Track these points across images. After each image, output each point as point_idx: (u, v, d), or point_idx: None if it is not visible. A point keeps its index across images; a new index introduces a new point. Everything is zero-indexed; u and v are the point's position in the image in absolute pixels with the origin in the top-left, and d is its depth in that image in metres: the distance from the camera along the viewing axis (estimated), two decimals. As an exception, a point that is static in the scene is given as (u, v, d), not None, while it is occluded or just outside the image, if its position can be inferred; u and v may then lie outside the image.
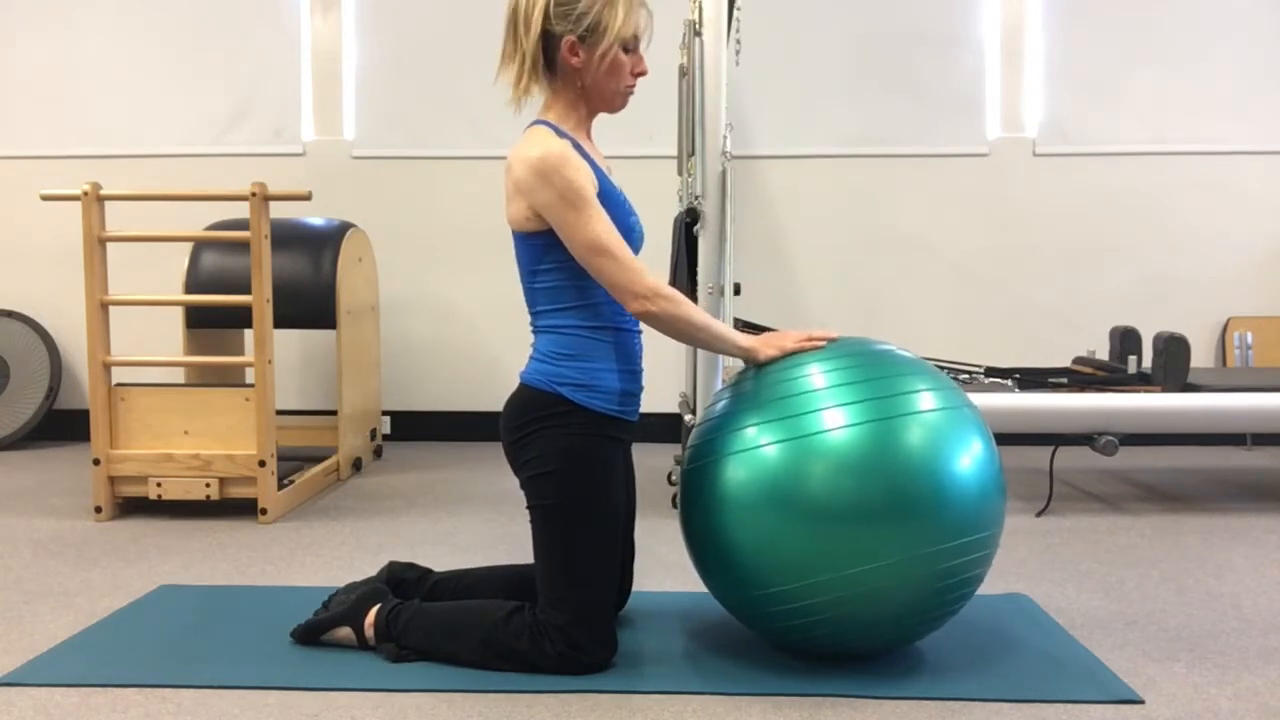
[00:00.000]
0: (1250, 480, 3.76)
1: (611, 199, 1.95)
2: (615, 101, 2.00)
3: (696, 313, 1.92)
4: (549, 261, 1.95)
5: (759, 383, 1.93)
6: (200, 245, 3.82)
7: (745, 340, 1.98)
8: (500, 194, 4.79)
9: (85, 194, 3.10)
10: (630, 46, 1.96)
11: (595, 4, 1.91)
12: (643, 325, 2.05)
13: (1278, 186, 4.46)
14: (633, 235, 1.99)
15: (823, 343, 1.94)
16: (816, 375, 1.86)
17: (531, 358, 1.99)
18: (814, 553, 1.77)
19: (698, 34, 3.07)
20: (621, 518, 1.99)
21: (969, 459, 1.81)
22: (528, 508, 1.96)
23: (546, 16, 1.91)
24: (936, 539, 1.77)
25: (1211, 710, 1.77)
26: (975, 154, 4.47)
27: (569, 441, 1.92)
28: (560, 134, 1.95)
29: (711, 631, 2.14)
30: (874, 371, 1.86)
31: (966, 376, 3.37)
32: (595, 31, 1.92)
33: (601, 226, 1.87)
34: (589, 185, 1.88)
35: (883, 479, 1.76)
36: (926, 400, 1.83)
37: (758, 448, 1.83)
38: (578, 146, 1.95)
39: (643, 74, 2.00)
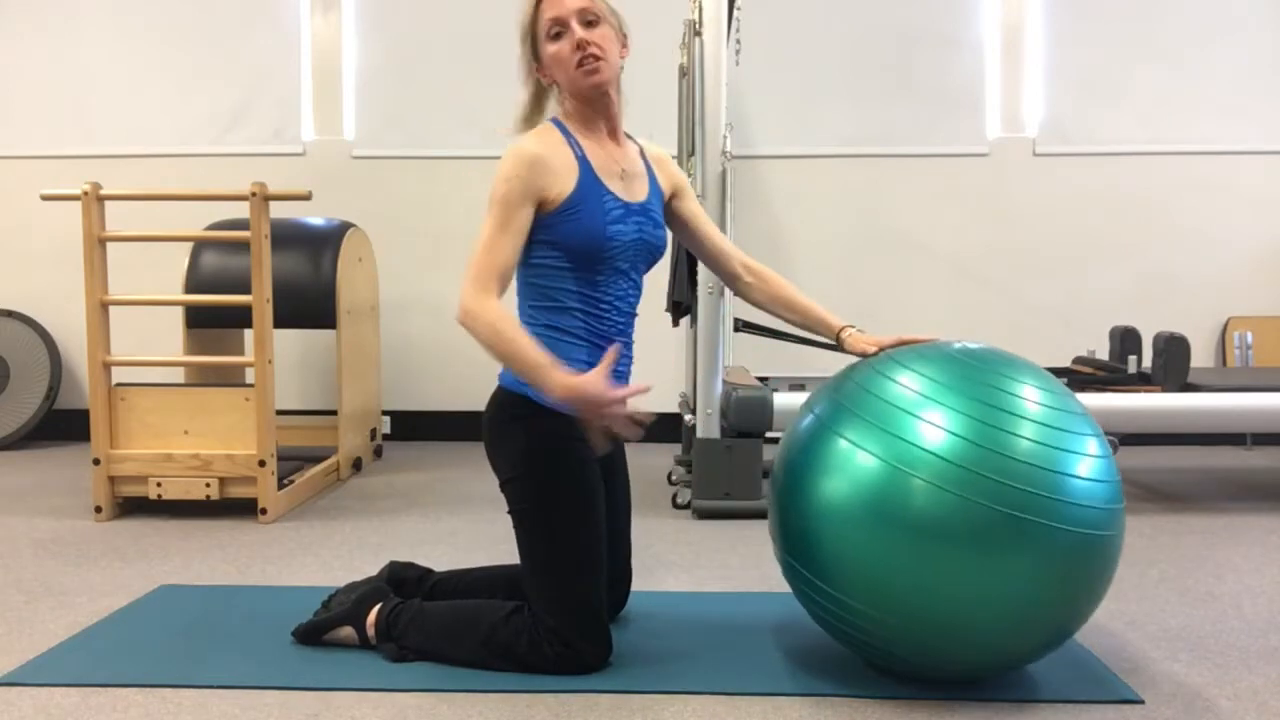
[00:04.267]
0: (1250, 480, 3.76)
1: (588, 203, 1.91)
2: (578, 86, 1.95)
3: (499, 338, 1.80)
4: (522, 256, 1.96)
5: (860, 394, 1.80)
6: (200, 245, 3.82)
7: (555, 379, 1.77)
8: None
9: (85, 194, 3.10)
10: (555, 32, 1.92)
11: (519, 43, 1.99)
12: (633, 337, 2.05)
13: (1278, 186, 4.46)
14: (608, 243, 1.93)
15: (638, 425, 1.77)
16: (912, 384, 1.75)
17: None
18: (917, 577, 1.66)
19: (698, 34, 3.07)
20: (601, 516, 1.94)
21: (1086, 465, 1.69)
22: (508, 513, 1.96)
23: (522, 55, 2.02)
24: (1055, 563, 1.65)
25: (1211, 710, 1.77)
26: (975, 154, 4.47)
27: (534, 444, 1.92)
28: (562, 130, 1.97)
29: (711, 631, 2.13)
30: (980, 377, 1.73)
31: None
32: (525, 46, 1.98)
33: (489, 233, 1.88)
34: (519, 193, 1.87)
35: (993, 498, 1.63)
36: (1033, 408, 1.70)
37: (862, 481, 1.70)
38: (575, 143, 1.95)
39: (581, 45, 1.90)
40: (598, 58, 1.91)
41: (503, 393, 1.96)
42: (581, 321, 1.96)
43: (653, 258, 2.06)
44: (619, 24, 1.98)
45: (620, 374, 2.02)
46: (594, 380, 1.75)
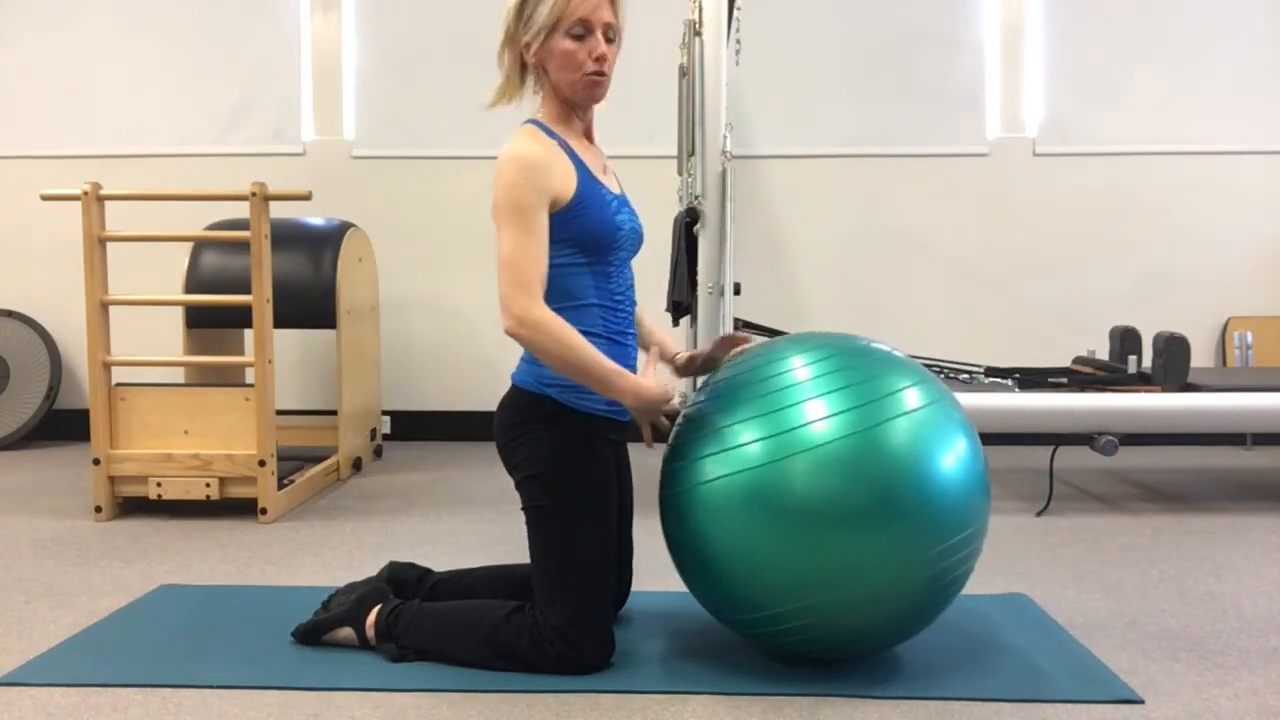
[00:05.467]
0: (1250, 480, 3.76)
1: (593, 198, 1.94)
2: (578, 91, 1.95)
3: (568, 347, 1.83)
4: None
5: (737, 391, 1.88)
6: (200, 245, 3.82)
7: (625, 385, 1.86)
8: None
9: (85, 194, 3.10)
10: (577, 32, 1.92)
11: (533, 2, 1.94)
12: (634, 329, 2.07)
13: (1278, 186, 4.46)
14: (618, 234, 1.98)
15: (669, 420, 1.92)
16: (800, 369, 1.83)
17: (522, 358, 2.00)
18: (803, 568, 1.74)
19: (698, 34, 3.07)
20: (614, 518, 1.98)
21: (953, 456, 1.78)
22: (522, 509, 1.96)
23: (511, 28, 1.98)
24: (926, 540, 1.74)
25: (1211, 710, 1.77)
26: (975, 154, 4.47)
27: (558, 443, 1.92)
28: (549, 133, 1.96)
29: (712, 631, 2.13)
30: (858, 374, 1.81)
31: (966, 376, 3.37)
32: (535, 29, 1.94)
33: (515, 240, 1.84)
34: (532, 195, 1.85)
35: (868, 482, 1.72)
36: (910, 397, 1.80)
37: (740, 471, 1.78)
38: (565, 145, 1.96)
39: (601, 57, 1.92)
40: (605, 74, 1.96)
41: (521, 393, 1.97)
42: (600, 318, 1.97)
43: (641, 246, 2.11)
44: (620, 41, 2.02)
45: (626, 365, 2.03)
46: (655, 385, 1.88)
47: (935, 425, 1.79)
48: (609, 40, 1.95)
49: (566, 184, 1.91)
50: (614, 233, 1.97)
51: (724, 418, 1.84)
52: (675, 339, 2.26)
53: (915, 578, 1.76)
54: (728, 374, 1.94)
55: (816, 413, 1.76)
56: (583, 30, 1.92)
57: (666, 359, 2.17)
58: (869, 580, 1.74)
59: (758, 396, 1.82)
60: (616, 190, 2.07)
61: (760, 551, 1.76)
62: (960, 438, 1.82)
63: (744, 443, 1.79)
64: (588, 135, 2.07)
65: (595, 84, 1.95)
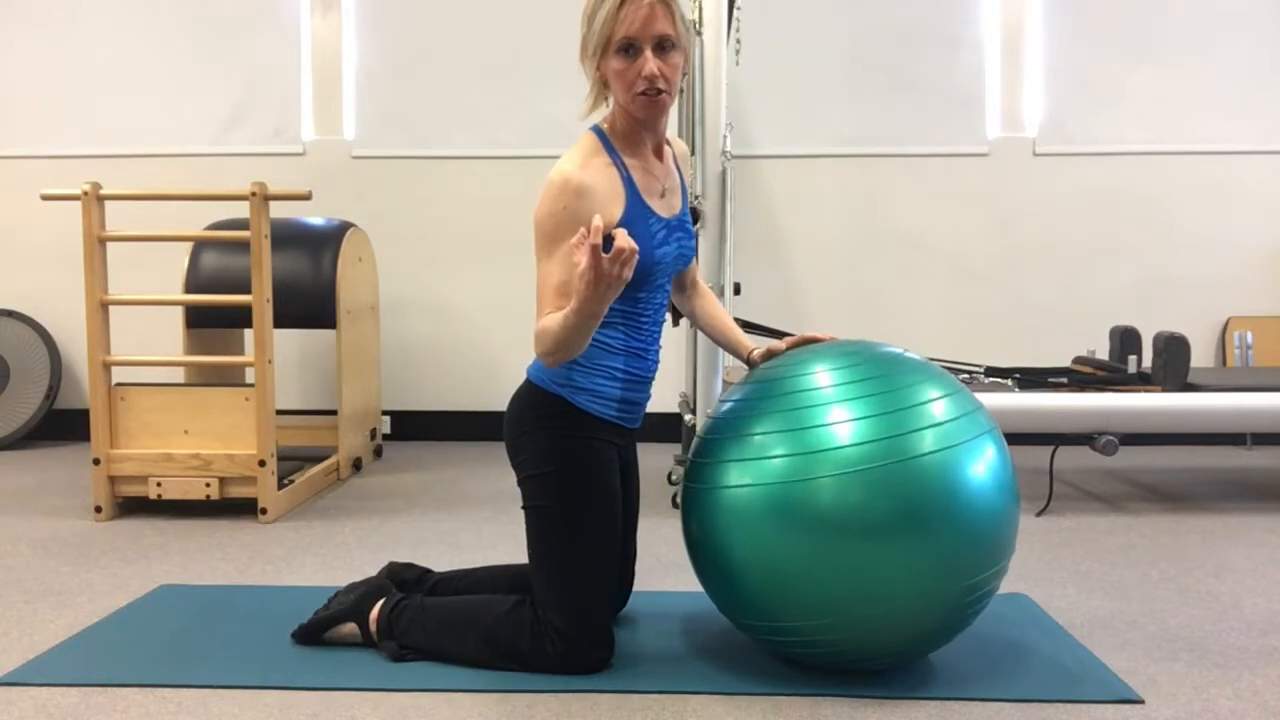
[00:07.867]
0: (1250, 480, 3.76)
1: (634, 229, 1.85)
2: (634, 109, 1.88)
3: (545, 331, 1.78)
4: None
5: (765, 405, 1.84)
6: (200, 245, 3.82)
7: (578, 298, 1.69)
8: (500, 193, 4.82)
9: (85, 194, 3.10)
10: (624, 48, 1.84)
11: (588, 18, 1.88)
12: (661, 342, 2.04)
13: (1278, 186, 4.46)
14: (655, 268, 1.92)
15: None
16: (831, 386, 1.78)
17: None
18: (823, 589, 1.72)
19: (698, 34, 3.07)
20: (616, 520, 1.96)
21: (990, 488, 1.74)
22: (522, 507, 1.96)
23: (582, 39, 1.91)
24: (960, 573, 1.72)
25: (1211, 710, 1.77)
26: (975, 154, 4.47)
27: (562, 444, 1.92)
28: (607, 146, 1.92)
29: (712, 631, 2.13)
30: (893, 399, 1.76)
31: (966, 376, 3.37)
32: (592, 47, 1.88)
33: (544, 269, 1.82)
34: (567, 224, 1.80)
35: (900, 510, 1.68)
36: (947, 428, 1.74)
37: (765, 484, 1.76)
38: (620, 163, 1.91)
39: (649, 76, 1.83)
40: (661, 90, 1.86)
41: (534, 389, 1.95)
42: (621, 334, 1.95)
43: (688, 264, 2.07)
44: (690, 43, 1.92)
45: (642, 374, 2.01)
46: (588, 280, 1.66)
47: (970, 456, 1.74)
48: (666, 49, 1.85)
49: (608, 210, 1.85)
50: (651, 266, 1.91)
51: (752, 425, 1.81)
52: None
53: (945, 605, 1.74)
54: (760, 377, 1.91)
55: (847, 435, 1.72)
56: (630, 47, 1.84)
57: (741, 357, 2.13)
58: (896, 604, 1.72)
59: (789, 409, 1.79)
60: (675, 210, 2.00)
61: (780, 566, 1.74)
62: (998, 468, 1.77)
63: (771, 456, 1.76)
64: (658, 152, 1.99)
65: (651, 102, 1.86)
